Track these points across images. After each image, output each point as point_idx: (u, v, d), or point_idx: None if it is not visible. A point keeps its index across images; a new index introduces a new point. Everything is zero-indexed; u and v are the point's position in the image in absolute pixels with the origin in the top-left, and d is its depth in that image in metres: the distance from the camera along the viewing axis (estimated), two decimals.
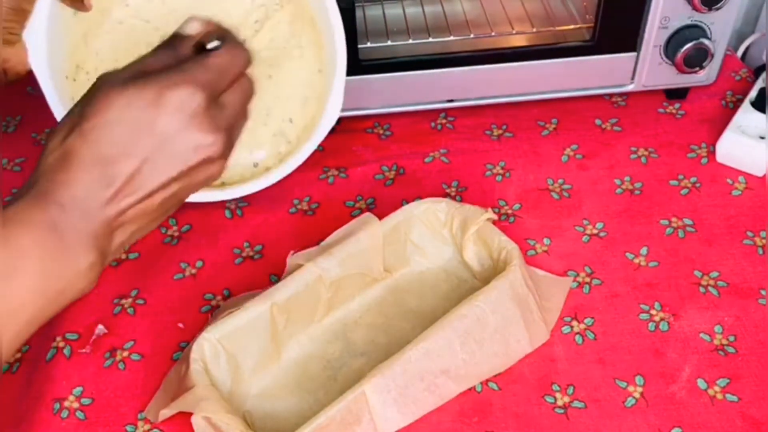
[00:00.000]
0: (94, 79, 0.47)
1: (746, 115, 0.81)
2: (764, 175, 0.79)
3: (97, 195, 0.43)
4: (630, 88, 0.84)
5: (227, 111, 0.47)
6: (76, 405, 0.65)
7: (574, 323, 0.69)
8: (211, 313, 0.70)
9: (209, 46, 0.47)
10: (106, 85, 0.44)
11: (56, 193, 0.43)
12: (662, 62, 0.81)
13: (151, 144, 0.43)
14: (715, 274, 0.72)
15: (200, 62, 0.46)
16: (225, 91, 0.47)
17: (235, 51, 0.48)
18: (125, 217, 0.45)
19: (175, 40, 0.49)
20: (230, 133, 0.47)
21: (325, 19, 0.62)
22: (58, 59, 0.54)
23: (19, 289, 0.41)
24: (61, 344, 0.69)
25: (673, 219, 0.77)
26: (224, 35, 0.49)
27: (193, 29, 0.49)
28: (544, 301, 0.68)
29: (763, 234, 0.75)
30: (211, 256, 0.75)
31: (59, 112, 0.54)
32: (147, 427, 0.63)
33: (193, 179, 0.46)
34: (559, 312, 0.69)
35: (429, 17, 0.85)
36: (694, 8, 0.76)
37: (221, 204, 0.79)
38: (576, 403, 0.64)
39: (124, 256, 0.75)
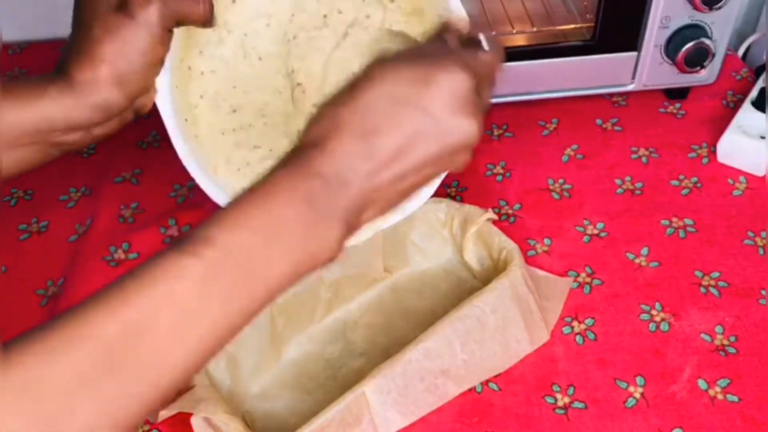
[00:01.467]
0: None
1: (747, 115, 0.81)
2: (765, 175, 0.79)
3: (359, 167, 0.44)
4: (630, 87, 0.84)
5: (484, 104, 0.48)
6: None
7: (575, 323, 0.69)
8: None
9: (481, 38, 0.49)
10: (383, 61, 0.46)
11: (320, 162, 0.43)
12: (663, 62, 0.81)
13: (417, 120, 0.44)
14: (715, 274, 0.72)
15: (472, 53, 0.48)
16: (485, 86, 0.48)
17: (498, 52, 0.50)
18: (379, 193, 0.45)
19: (444, 33, 0.50)
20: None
21: None
22: (176, 99, 0.57)
23: (276, 256, 0.42)
24: None
25: (674, 219, 0.76)
26: (487, 37, 0.51)
27: (462, 24, 0.51)
28: (544, 301, 0.67)
29: (763, 234, 0.74)
30: None
31: (179, 144, 0.57)
32: (146, 427, 0.63)
33: (446, 163, 0.47)
34: (559, 312, 0.69)
35: None
36: (695, 8, 0.76)
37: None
38: (576, 404, 0.64)
39: (123, 257, 0.75)
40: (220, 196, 0.58)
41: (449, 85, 0.45)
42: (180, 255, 0.40)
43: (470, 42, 0.50)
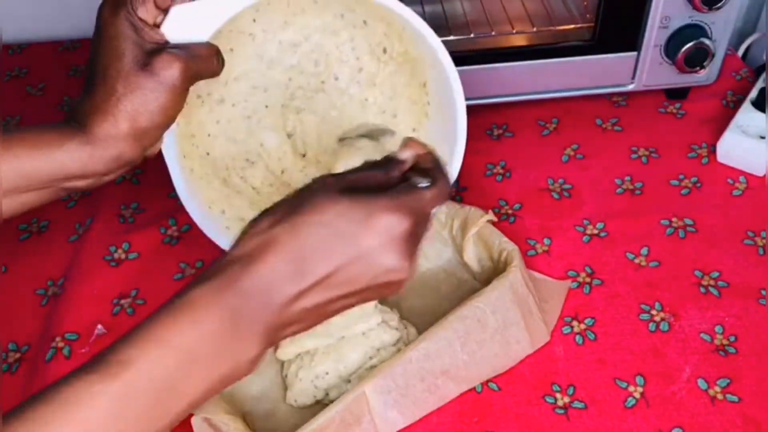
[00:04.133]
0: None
1: (747, 115, 0.81)
2: (765, 175, 0.79)
3: (285, 289, 0.44)
4: (630, 87, 0.84)
5: (420, 239, 0.49)
6: None
7: (575, 323, 0.69)
8: None
9: (420, 185, 0.49)
10: (323, 189, 0.46)
11: (247, 279, 0.44)
12: (663, 62, 0.81)
13: (350, 255, 0.45)
14: (715, 274, 0.72)
15: (413, 193, 0.48)
16: (422, 224, 0.49)
17: (443, 188, 0.50)
18: (301, 315, 0.46)
19: (388, 162, 0.51)
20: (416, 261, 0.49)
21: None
22: (179, 147, 0.60)
23: (194, 374, 0.43)
24: (61, 344, 0.69)
25: (674, 219, 0.76)
26: (434, 168, 0.51)
27: (407, 155, 0.51)
28: (542, 303, 0.67)
29: (763, 234, 0.74)
30: (211, 256, 0.75)
31: (180, 185, 0.61)
32: None
33: (373, 294, 0.48)
34: (558, 315, 0.69)
35: (429, 17, 0.85)
36: (695, 8, 0.76)
37: None
38: (576, 404, 0.64)
39: (123, 256, 0.75)
40: (212, 232, 0.62)
41: (384, 226, 0.45)
42: (94, 378, 0.40)
43: (419, 172, 0.50)
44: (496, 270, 0.67)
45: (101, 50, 0.53)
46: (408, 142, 0.52)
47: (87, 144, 0.53)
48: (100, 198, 0.80)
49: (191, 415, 0.59)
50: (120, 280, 0.73)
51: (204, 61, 0.55)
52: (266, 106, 0.65)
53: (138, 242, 0.76)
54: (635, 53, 0.80)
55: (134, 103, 0.52)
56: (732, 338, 0.67)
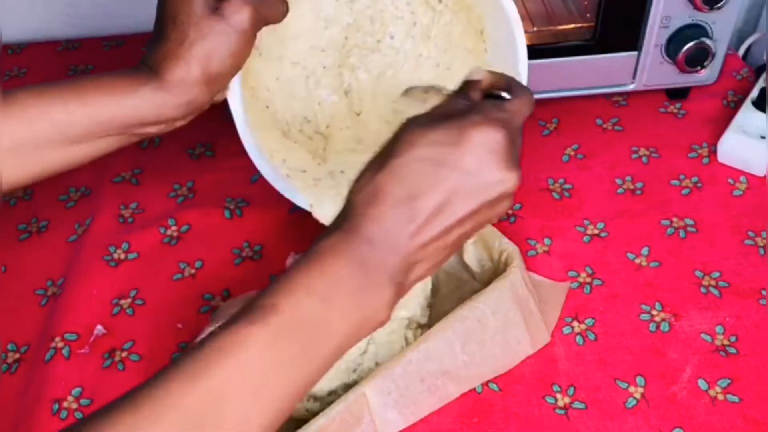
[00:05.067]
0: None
1: (747, 115, 0.81)
2: (765, 175, 0.79)
3: (403, 229, 0.45)
4: (631, 87, 0.84)
5: (518, 149, 0.49)
6: (74, 406, 0.65)
7: (575, 324, 0.69)
8: (210, 314, 0.70)
9: (504, 97, 0.50)
10: (412, 126, 0.47)
11: (367, 228, 0.45)
12: (663, 62, 0.81)
13: (454, 180, 0.45)
14: (716, 274, 0.72)
15: (497, 105, 0.49)
16: (516, 133, 0.49)
17: (524, 97, 0.50)
18: (425, 251, 0.46)
19: (466, 86, 0.51)
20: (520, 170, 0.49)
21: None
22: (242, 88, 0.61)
23: (335, 317, 0.44)
24: (60, 345, 0.69)
25: (674, 219, 0.76)
26: (510, 83, 0.52)
27: (481, 75, 0.52)
28: (541, 305, 0.67)
29: (764, 234, 0.74)
30: (210, 256, 0.75)
31: (243, 129, 0.60)
32: None
33: (488, 214, 0.48)
34: (557, 317, 0.69)
35: None
36: (696, 7, 0.76)
37: (221, 204, 0.79)
38: (576, 404, 0.64)
39: (123, 257, 0.75)
40: (274, 178, 0.61)
41: (480, 142, 0.46)
42: (247, 325, 0.42)
43: (494, 92, 0.51)
44: (496, 271, 0.67)
45: None
46: (477, 67, 0.52)
47: (161, 89, 0.54)
48: (99, 198, 0.80)
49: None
50: (119, 280, 0.73)
51: (271, 5, 0.56)
52: (324, 67, 0.65)
53: (138, 242, 0.76)
54: (636, 53, 0.80)
55: (206, 48, 0.53)
56: (732, 338, 0.67)
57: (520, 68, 0.61)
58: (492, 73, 0.52)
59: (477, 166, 0.46)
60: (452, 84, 0.65)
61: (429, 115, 0.48)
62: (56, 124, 0.53)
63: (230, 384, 0.40)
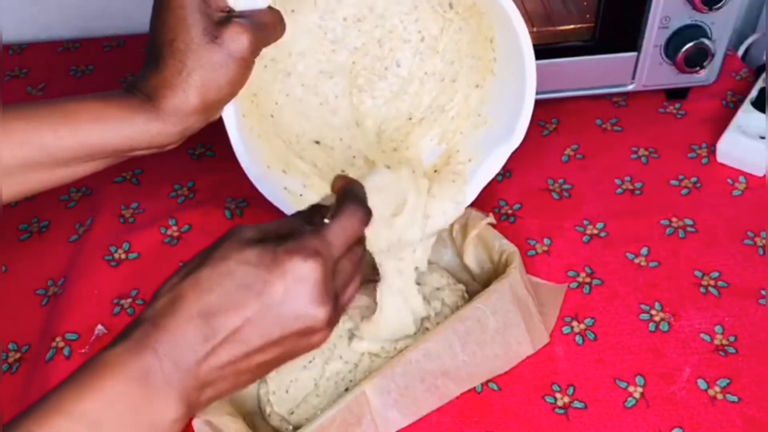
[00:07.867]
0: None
1: (747, 115, 0.81)
2: (765, 175, 0.79)
3: (195, 347, 0.43)
4: (630, 87, 0.84)
5: (339, 279, 0.47)
6: None
7: (575, 323, 0.69)
8: None
9: (325, 220, 0.48)
10: (235, 236, 0.46)
11: (157, 339, 0.42)
12: (663, 62, 0.81)
13: (256, 306, 0.44)
14: (715, 274, 0.72)
15: (315, 232, 0.47)
16: (340, 259, 0.47)
17: (348, 221, 0.48)
18: (221, 372, 0.44)
19: (311, 209, 0.50)
20: (338, 302, 0.47)
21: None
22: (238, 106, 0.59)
23: None
24: (61, 344, 0.69)
25: (674, 219, 0.77)
26: (344, 197, 0.50)
27: (330, 200, 0.50)
28: (540, 307, 0.67)
29: (763, 234, 0.74)
30: None
31: (236, 142, 0.59)
32: None
33: (297, 344, 0.46)
34: (555, 319, 0.69)
35: None
36: (695, 8, 0.76)
37: (221, 204, 0.79)
38: (576, 404, 0.64)
39: (124, 256, 0.75)
40: (268, 191, 0.61)
41: (290, 270, 0.44)
42: None
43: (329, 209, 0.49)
44: (496, 272, 0.67)
45: (167, 20, 0.51)
46: (336, 179, 0.52)
47: (156, 119, 0.52)
48: (100, 198, 0.81)
49: (192, 417, 0.59)
50: (120, 280, 0.73)
51: (269, 30, 0.54)
52: (336, 96, 0.64)
53: (138, 242, 0.76)
54: (635, 53, 0.80)
55: (204, 78, 0.51)
56: (732, 338, 0.67)
57: (528, 82, 0.60)
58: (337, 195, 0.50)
59: (282, 296, 0.44)
60: (456, 96, 0.65)
61: (259, 228, 0.47)
62: (45, 148, 0.51)
63: None
